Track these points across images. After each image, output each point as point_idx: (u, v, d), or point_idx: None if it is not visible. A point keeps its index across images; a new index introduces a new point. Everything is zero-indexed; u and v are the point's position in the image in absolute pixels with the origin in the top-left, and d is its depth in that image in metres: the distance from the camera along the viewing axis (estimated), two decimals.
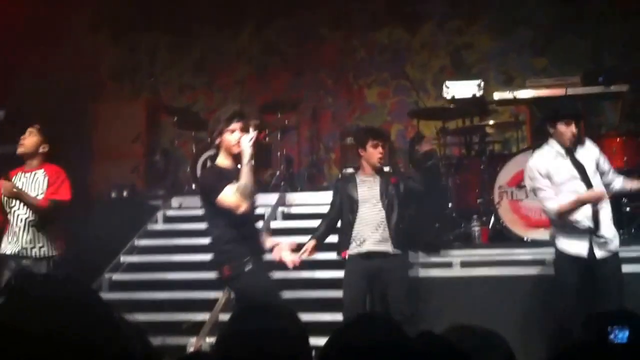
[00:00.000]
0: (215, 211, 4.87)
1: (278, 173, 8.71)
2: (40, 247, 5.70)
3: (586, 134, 6.07)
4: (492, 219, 7.13)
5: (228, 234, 4.88)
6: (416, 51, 10.11)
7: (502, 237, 6.99)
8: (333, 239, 6.02)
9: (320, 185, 9.28)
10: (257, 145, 8.45)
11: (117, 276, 7.45)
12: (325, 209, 6.20)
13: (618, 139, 7.16)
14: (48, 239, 5.73)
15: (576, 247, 5.28)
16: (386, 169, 7.47)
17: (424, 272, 6.58)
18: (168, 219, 8.30)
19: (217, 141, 4.98)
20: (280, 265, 5.23)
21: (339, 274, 5.99)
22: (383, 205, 5.79)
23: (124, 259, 7.64)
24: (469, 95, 8.04)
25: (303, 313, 5.81)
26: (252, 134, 4.85)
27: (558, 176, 5.32)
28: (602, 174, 5.40)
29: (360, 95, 10.25)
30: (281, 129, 9.07)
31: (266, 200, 7.97)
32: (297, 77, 10.32)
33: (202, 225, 7.53)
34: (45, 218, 5.71)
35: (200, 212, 7.25)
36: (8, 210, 5.76)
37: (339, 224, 5.98)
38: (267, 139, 8.80)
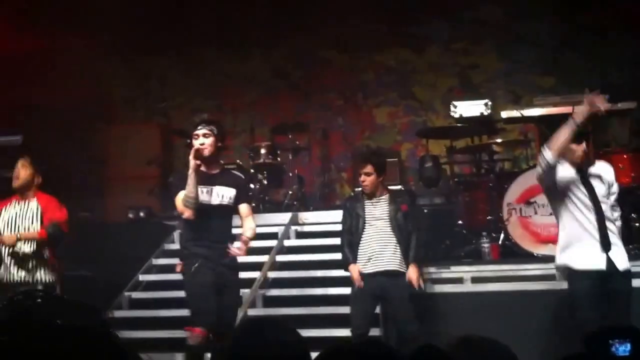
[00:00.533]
0: None
1: (291, 193, 8.85)
2: (38, 275, 5.89)
3: (595, 150, 6.04)
4: (502, 235, 7.22)
5: (186, 234, 5.31)
6: (423, 72, 10.26)
7: (512, 253, 7.06)
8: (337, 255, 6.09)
9: (333, 204, 9.42)
10: (269, 165, 8.70)
11: (136, 294, 7.59)
12: (337, 227, 6.28)
13: (625, 156, 7.26)
14: (45, 266, 5.92)
15: (592, 260, 5.14)
16: (397, 187, 7.62)
17: (435, 288, 6.66)
18: None
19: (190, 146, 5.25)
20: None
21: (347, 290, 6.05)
22: (390, 225, 5.78)
23: (143, 277, 7.79)
24: (476, 114, 8.17)
25: (314, 329, 5.97)
26: (197, 144, 5.13)
27: (567, 184, 5.19)
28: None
29: (370, 116, 10.41)
30: (293, 150, 9.22)
31: (279, 220, 8.12)
32: (306, 99, 10.48)
33: None
34: (47, 244, 5.94)
35: None
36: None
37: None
38: (276, 158, 8.93)
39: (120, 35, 10.45)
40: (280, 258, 7.63)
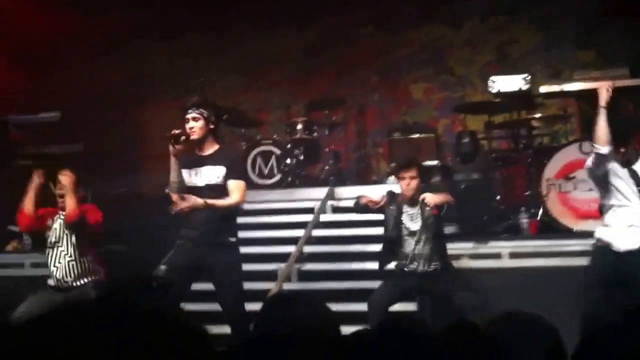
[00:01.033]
0: None
1: (327, 168, 8.86)
2: (81, 277, 5.93)
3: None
4: (540, 211, 7.16)
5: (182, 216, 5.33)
6: (460, 47, 10.15)
7: (551, 228, 7.01)
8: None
9: (369, 180, 9.41)
10: (306, 141, 8.70)
11: None
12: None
13: None
14: (88, 267, 5.96)
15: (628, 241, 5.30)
16: (434, 162, 7.54)
17: (472, 263, 6.64)
18: None
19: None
20: None
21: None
22: (423, 226, 5.71)
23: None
24: (515, 89, 8.07)
25: (349, 303, 5.98)
26: (187, 127, 5.23)
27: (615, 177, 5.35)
28: None
29: (406, 92, 10.33)
30: (329, 126, 9.26)
31: (316, 195, 8.13)
32: (341, 76, 10.44)
33: (252, 219, 7.77)
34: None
35: (250, 205, 7.47)
36: (50, 245, 5.99)
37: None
38: (312, 134, 8.93)
39: (154, 15, 10.49)
40: (316, 232, 7.64)
